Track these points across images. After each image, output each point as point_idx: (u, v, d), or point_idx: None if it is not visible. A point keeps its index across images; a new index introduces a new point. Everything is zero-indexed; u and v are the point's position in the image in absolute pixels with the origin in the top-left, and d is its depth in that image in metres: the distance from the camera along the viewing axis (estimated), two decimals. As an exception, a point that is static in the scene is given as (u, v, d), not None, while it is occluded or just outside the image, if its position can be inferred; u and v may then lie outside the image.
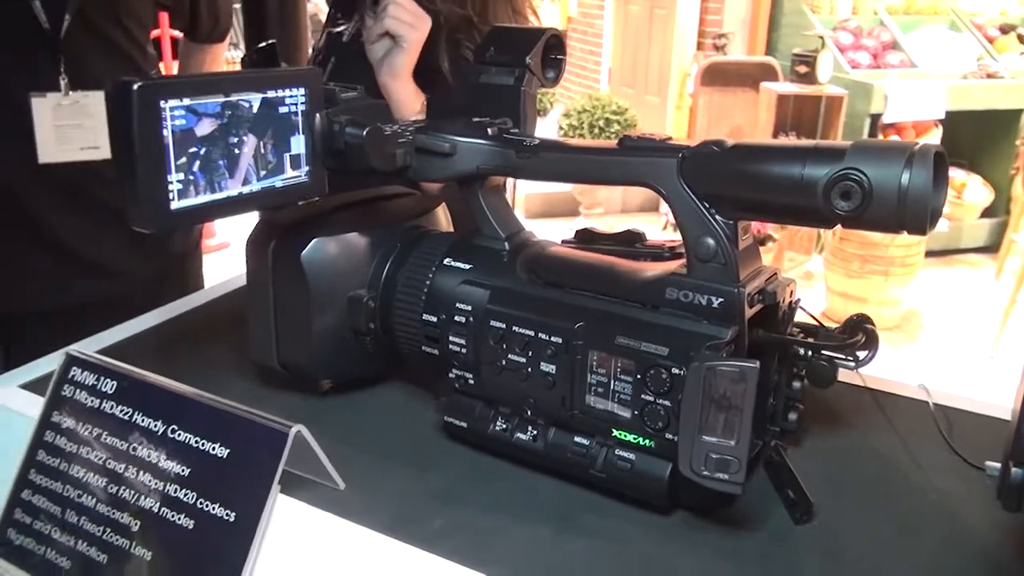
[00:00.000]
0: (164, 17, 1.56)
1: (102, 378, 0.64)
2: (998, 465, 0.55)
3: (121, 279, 1.28)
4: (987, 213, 4.24)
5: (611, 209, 4.59)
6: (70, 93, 1.19)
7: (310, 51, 1.53)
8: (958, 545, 0.56)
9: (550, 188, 4.45)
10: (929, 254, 3.58)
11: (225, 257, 3.75)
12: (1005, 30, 4.51)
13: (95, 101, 1.22)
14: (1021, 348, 3.14)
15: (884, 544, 0.57)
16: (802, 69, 3.92)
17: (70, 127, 1.20)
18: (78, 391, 0.64)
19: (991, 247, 4.11)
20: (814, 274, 3.84)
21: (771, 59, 4.45)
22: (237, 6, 2.07)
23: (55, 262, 1.25)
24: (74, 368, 0.65)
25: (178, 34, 1.58)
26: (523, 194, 4.44)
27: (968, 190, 4.20)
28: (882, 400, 0.74)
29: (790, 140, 0.56)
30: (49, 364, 0.76)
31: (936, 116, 4.05)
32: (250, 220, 0.71)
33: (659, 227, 4.32)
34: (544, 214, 4.47)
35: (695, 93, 4.49)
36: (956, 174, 4.24)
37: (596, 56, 5.97)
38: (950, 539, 0.57)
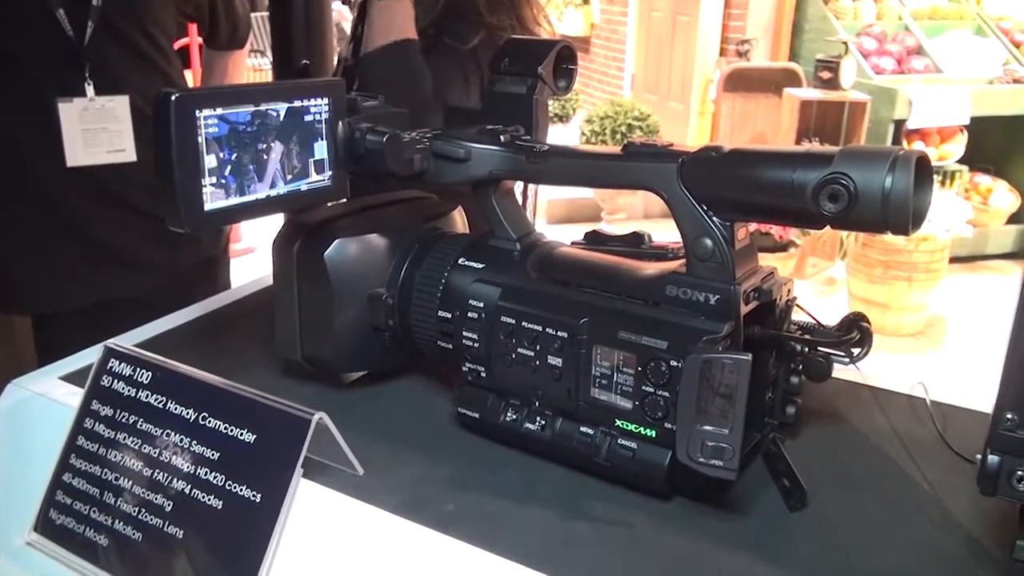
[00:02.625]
0: (193, 28, 1.63)
1: (138, 369, 0.68)
2: (986, 456, 0.57)
3: (151, 277, 1.34)
4: (1013, 219, 4.21)
5: (634, 215, 4.61)
6: (96, 98, 1.24)
7: (335, 59, 1.58)
8: (946, 532, 0.59)
9: (573, 194, 4.49)
10: (954, 260, 3.56)
11: (251, 261, 3.82)
12: (1032, 35, 4.48)
13: (120, 105, 1.27)
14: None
15: (874, 530, 0.60)
16: (825, 75, 3.93)
17: (96, 131, 1.25)
18: (116, 381, 0.68)
19: (1018, 253, 4.09)
20: (837, 280, 3.84)
21: (794, 65, 4.46)
22: (257, 15, 2.13)
23: (89, 262, 1.30)
24: (112, 360, 0.69)
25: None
26: (546, 200, 4.49)
27: (994, 196, 4.18)
28: (880, 396, 0.77)
29: (782, 146, 0.59)
30: (85, 358, 0.80)
31: (961, 121, 4.03)
32: (273, 227, 0.75)
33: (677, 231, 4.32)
34: (567, 219, 4.50)
35: (718, 99, 4.51)
36: (982, 180, 4.22)
37: (619, 62, 6.00)
38: (939, 526, 0.60)
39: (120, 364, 0.69)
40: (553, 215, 4.53)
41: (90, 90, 1.23)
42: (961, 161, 4.14)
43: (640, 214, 4.70)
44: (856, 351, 0.64)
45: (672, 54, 5.37)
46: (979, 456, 0.65)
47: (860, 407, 0.75)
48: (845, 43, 4.04)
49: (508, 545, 0.58)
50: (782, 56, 4.80)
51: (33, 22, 1.19)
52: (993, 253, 4.11)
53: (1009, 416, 0.49)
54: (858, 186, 0.52)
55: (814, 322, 0.68)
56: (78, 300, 1.31)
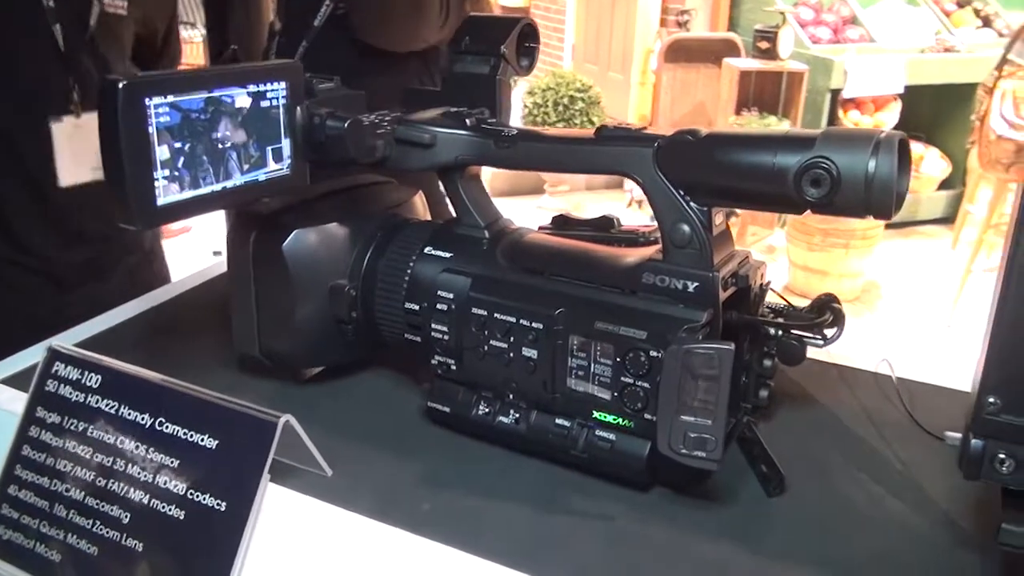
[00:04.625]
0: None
1: (86, 372, 0.64)
2: (957, 435, 0.58)
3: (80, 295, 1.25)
4: (944, 185, 4.32)
5: (576, 187, 4.61)
6: (82, 115, 1.17)
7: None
8: (924, 514, 0.59)
9: (515, 166, 4.45)
10: (888, 226, 3.64)
11: (187, 241, 3.71)
12: (961, 4, 4.57)
13: None
14: (977, 318, 3.23)
15: (853, 513, 0.59)
16: (764, 45, 3.96)
17: (83, 149, 1.18)
18: (62, 386, 0.64)
19: (948, 218, 4.20)
20: (776, 248, 3.89)
21: (733, 35, 4.48)
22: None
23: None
24: (57, 363, 0.65)
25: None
26: (488, 172, 4.45)
27: (925, 163, 4.28)
28: (847, 375, 0.77)
29: (762, 129, 0.58)
30: (25, 359, 0.76)
31: (895, 90, 4.11)
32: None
33: (624, 204, 4.34)
34: (509, 192, 4.47)
35: (658, 70, 4.52)
36: (914, 147, 4.30)
37: (559, 33, 5.96)
38: (915, 506, 0.60)
39: (66, 367, 0.65)
40: (496, 188, 4.49)
41: (77, 107, 1.15)
42: (894, 129, 4.22)
43: (582, 186, 4.70)
44: (829, 332, 0.64)
45: (612, 24, 5.35)
46: (948, 433, 0.66)
47: (828, 387, 0.75)
48: (783, 13, 4.07)
49: (487, 544, 0.56)
50: (721, 26, 4.82)
51: (29, 36, 1.10)
52: (925, 219, 4.22)
53: (991, 400, 0.49)
54: (841, 170, 0.51)
55: (786, 304, 0.68)
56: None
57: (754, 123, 3.87)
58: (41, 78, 1.12)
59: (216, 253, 2.75)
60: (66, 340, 0.78)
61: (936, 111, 4.36)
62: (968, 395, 0.54)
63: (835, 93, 4.06)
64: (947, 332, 3.20)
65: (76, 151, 1.16)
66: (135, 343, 0.83)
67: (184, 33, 6.18)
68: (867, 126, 4.12)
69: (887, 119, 4.18)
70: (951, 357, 2.91)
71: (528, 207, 4.29)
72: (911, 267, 3.82)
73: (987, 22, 4.50)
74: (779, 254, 3.81)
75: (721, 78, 4.15)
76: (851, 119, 4.15)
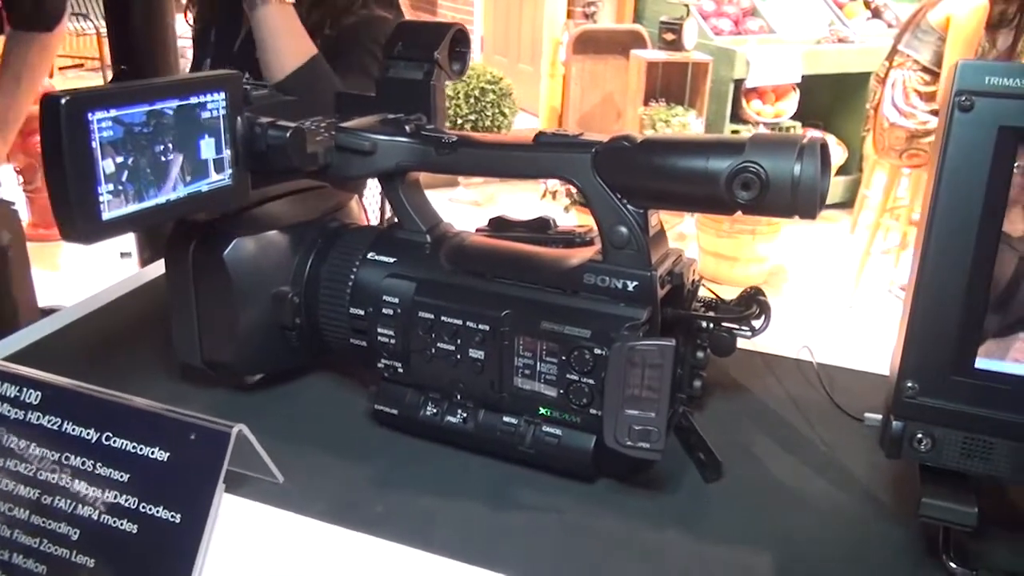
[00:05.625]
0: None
1: (24, 389, 0.63)
2: (876, 416, 0.62)
3: None
4: (841, 171, 4.51)
5: (489, 179, 4.62)
6: None
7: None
8: (849, 492, 0.64)
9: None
10: (791, 212, 3.78)
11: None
12: (852, -4, 4.77)
13: None
14: (877, 298, 3.39)
15: (785, 494, 0.64)
16: (669, 36, 4.05)
17: None
18: (-1, 404, 0.63)
19: (846, 203, 4.38)
20: (687, 235, 4.00)
21: (639, 27, 4.57)
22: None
23: None
24: (-8, 380, 0.64)
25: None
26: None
27: (824, 150, 4.46)
28: (772, 363, 0.82)
29: (694, 135, 0.60)
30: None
31: (794, 80, 4.26)
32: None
33: (538, 195, 4.38)
34: (425, 185, 4.46)
35: (567, 61, 4.57)
36: (813, 135, 4.49)
37: (468, 24, 5.95)
38: (840, 484, 0.64)
39: (2, 384, 0.63)
40: (409, 181, 4.47)
41: None
42: (794, 118, 4.38)
43: (495, 178, 4.71)
44: (757, 324, 0.68)
45: (521, 16, 5.38)
46: (867, 415, 0.71)
47: (755, 375, 0.80)
48: (686, 6, 4.16)
49: (442, 542, 0.58)
50: (627, 18, 4.90)
51: None
52: (826, 203, 4.40)
53: (910, 385, 0.53)
54: (769, 174, 0.55)
55: (716, 298, 0.71)
56: None
57: (662, 113, 3.97)
58: None
59: (124, 255, 2.66)
60: (-11, 356, 0.76)
61: (832, 99, 4.54)
62: (885, 379, 0.58)
63: (738, 83, 4.19)
64: (849, 312, 3.35)
65: None
66: (66, 356, 0.81)
67: (77, 25, 5.92)
68: (769, 115, 4.27)
69: (786, 108, 4.34)
70: (855, 336, 3.06)
71: (441, 199, 4.29)
72: (813, 251, 3.98)
73: (876, 13, 4.71)
74: (689, 241, 3.91)
75: (629, 69, 4.23)
76: (753, 108, 4.29)
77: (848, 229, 4.14)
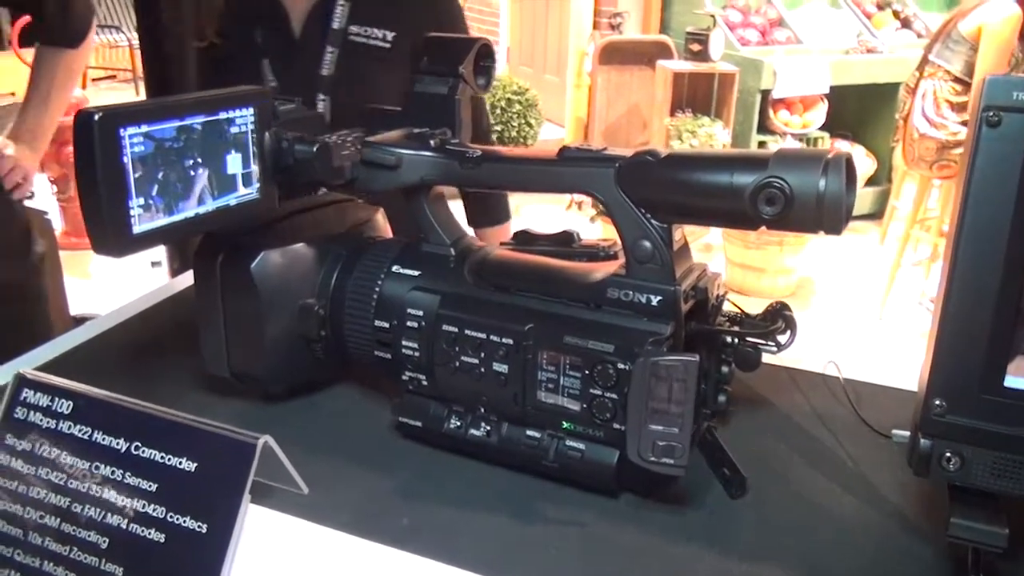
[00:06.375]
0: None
1: (56, 399, 0.64)
2: (904, 433, 0.62)
3: None
4: (871, 182, 4.48)
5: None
6: None
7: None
8: (876, 509, 0.63)
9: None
10: (819, 223, 3.75)
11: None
12: (881, 6, 4.74)
13: None
14: (907, 311, 3.35)
15: (810, 511, 0.63)
16: (695, 47, 4.04)
17: None
18: (32, 413, 0.64)
19: (875, 214, 4.34)
20: (713, 246, 3.98)
21: (665, 37, 4.56)
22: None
23: None
24: (25, 390, 0.65)
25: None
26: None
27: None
28: (797, 377, 0.81)
29: (719, 150, 0.60)
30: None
31: (822, 90, 4.24)
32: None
33: (563, 206, 4.38)
34: (449, 196, 4.47)
35: (593, 72, 4.57)
36: (842, 145, 4.45)
37: (494, 35, 5.98)
38: (867, 502, 0.64)
39: (35, 394, 0.64)
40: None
41: None
42: (822, 128, 4.35)
43: (522, 188, 4.71)
44: (782, 339, 0.67)
45: (547, 27, 5.40)
46: (895, 432, 0.70)
47: (780, 389, 0.79)
48: (712, 16, 4.16)
49: (465, 555, 0.58)
50: (653, 29, 4.90)
51: None
52: (854, 215, 4.35)
53: (938, 403, 0.53)
54: (794, 189, 0.55)
55: (741, 313, 0.71)
56: None
57: (689, 124, 3.95)
58: None
59: (155, 264, 2.70)
60: (26, 364, 0.77)
61: (861, 110, 4.51)
62: (912, 395, 0.58)
63: (765, 93, 4.17)
64: (879, 324, 3.31)
65: None
66: (97, 366, 0.82)
67: (108, 37, 6.02)
68: (796, 125, 4.25)
69: (814, 118, 4.31)
70: (884, 348, 3.02)
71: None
72: (842, 262, 3.94)
73: (906, 23, 4.67)
74: (716, 252, 3.90)
75: (655, 80, 4.22)
76: (781, 119, 4.27)
77: (877, 241, 4.10)
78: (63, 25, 1.38)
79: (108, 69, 6.41)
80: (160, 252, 2.48)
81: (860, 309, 3.44)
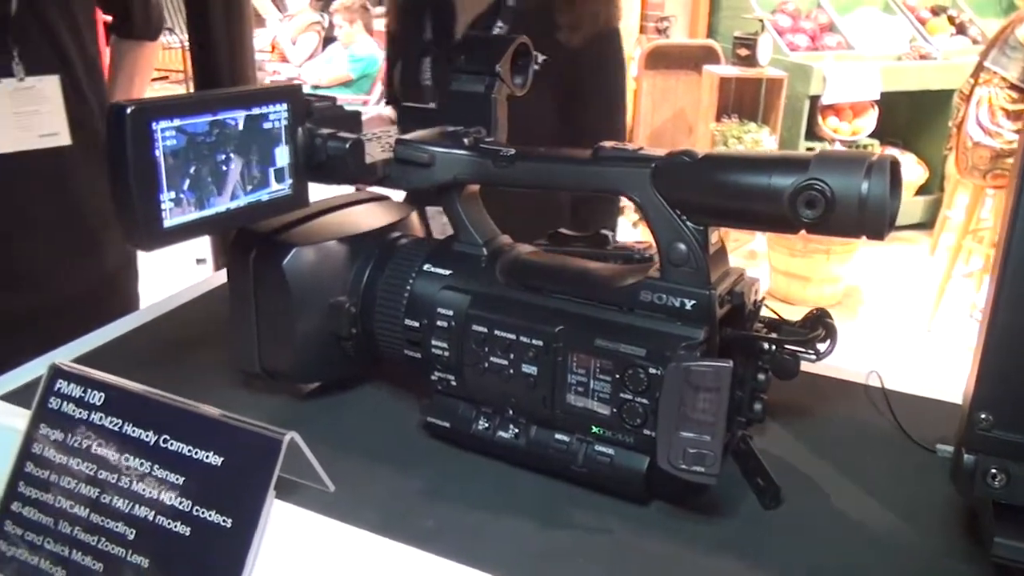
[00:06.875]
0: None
1: (89, 390, 0.64)
2: (948, 447, 0.59)
3: (45, 294, 1.25)
4: (922, 191, 4.38)
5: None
6: (25, 78, 1.17)
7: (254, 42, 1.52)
8: (915, 523, 0.61)
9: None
10: (867, 232, 3.68)
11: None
12: (936, 12, 4.64)
13: (50, 86, 1.20)
14: (957, 323, 3.27)
15: (847, 525, 0.61)
16: (743, 52, 4.00)
17: (27, 114, 1.18)
18: (65, 403, 0.64)
19: (926, 224, 4.25)
20: (758, 253, 3.93)
21: (712, 42, 4.52)
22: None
23: (3, 268, 1.22)
24: (60, 380, 0.65)
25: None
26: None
27: (903, 169, 4.33)
28: (838, 387, 0.79)
29: (757, 151, 0.59)
30: (22, 376, 0.76)
31: (872, 97, 4.16)
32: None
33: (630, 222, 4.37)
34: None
35: (639, 76, 4.54)
36: (892, 153, 4.37)
37: (540, 39, 5.98)
38: (907, 517, 0.61)
39: (69, 385, 0.65)
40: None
41: (19, 70, 1.15)
42: (872, 135, 4.28)
43: (565, 192, 4.71)
44: (821, 347, 0.65)
45: (592, 31, 5.38)
46: (939, 446, 0.68)
47: (820, 399, 0.77)
48: (761, 20, 4.11)
49: (491, 559, 0.57)
50: (700, 33, 4.86)
51: None
52: (903, 224, 4.27)
53: (983, 416, 0.51)
54: (835, 192, 0.53)
55: (779, 319, 0.69)
56: None
57: (735, 130, 3.91)
58: None
59: (200, 261, 2.74)
60: (64, 355, 0.78)
61: (913, 117, 4.42)
62: (958, 408, 0.56)
63: (814, 100, 4.11)
64: (927, 337, 3.24)
65: (19, 116, 1.16)
66: (134, 358, 0.83)
67: (164, 39, 6.16)
68: (846, 132, 4.18)
69: (864, 125, 4.24)
70: (932, 362, 2.95)
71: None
72: (890, 272, 3.86)
73: (961, 29, 4.57)
74: (761, 259, 3.84)
75: (701, 85, 4.19)
76: (830, 125, 4.20)
77: (928, 251, 4.01)
78: (146, 19, 1.45)
79: (161, 70, 6.53)
80: (206, 248, 2.52)
81: (908, 321, 3.37)
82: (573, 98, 1.25)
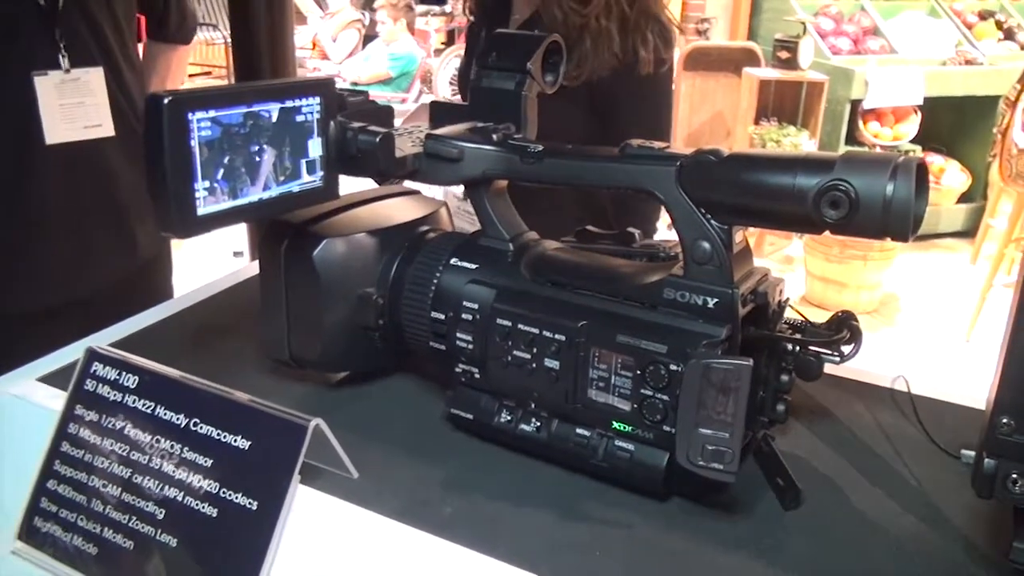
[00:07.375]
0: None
1: (123, 373, 0.66)
2: (972, 453, 0.59)
3: (82, 284, 1.28)
4: (964, 198, 4.31)
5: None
6: (71, 71, 1.20)
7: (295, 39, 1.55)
8: (938, 530, 0.60)
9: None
10: (907, 239, 3.63)
11: (206, 240, 3.75)
12: (984, 16, 4.56)
13: (95, 78, 1.23)
14: (997, 333, 3.21)
15: (867, 528, 0.61)
16: (783, 54, 3.96)
17: (72, 105, 1.21)
18: (100, 385, 0.67)
19: (968, 232, 4.18)
20: (794, 258, 3.89)
21: (753, 44, 4.49)
22: None
23: (45, 257, 1.25)
24: (96, 363, 0.67)
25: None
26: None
27: (946, 175, 4.27)
28: (863, 391, 0.79)
29: (781, 151, 0.59)
30: (61, 359, 0.78)
31: (915, 102, 4.11)
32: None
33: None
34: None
35: (678, 78, 4.52)
36: (935, 159, 4.30)
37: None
38: (928, 522, 0.61)
39: (104, 367, 0.67)
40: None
41: (65, 62, 1.18)
42: (914, 141, 4.21)
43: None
44: (846, 349, 0.65)
45: (632, 32, 5.36)
46: (964, 451, 0.67)
47: (844, 402, 0.77)
48: (803, 23, 4.07)
49: (508, 549, 0.58)
50: (741, 35, 4.83)
51: None
52: (945, 232, 4.21)
53: (1005, 421, 0.51)
54: (859, 193, 0.53)
55: (804, 320, 0.69)
56: (29, 300, 1.25)
57: (773, 133, 3.88)
58: (18, 35, 1.14)
59: (237, 254, 2.78)
60: (101, 340, 0.80)
61: (956, 123, 4.35)
62: (983, 413, 0.55)
63: (855, 104, 4.06)
64: (966, 347, 3.19)
65: (65, 107, 1.19)
66: (168, 344, 0.85)
67: (205, 35, 6.25)
68: (887, 137, 4.12)
69: (906, 130, 4.18)
70: (969, 372, 2.90)
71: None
72: (930, 280, 3.80)
73: (1009, 34, 4.49)
74: (797, 264, 3.81)
75: (741, 87, 4.16)
76: (871, 130, 4.15)
77: (969, 260, 3.95)
78: (180, 23, 1.49)
79: (204, 66, 6.63)
80: (243, 241, 2.56)
81: (947, 330, 3.32)
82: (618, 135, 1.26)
